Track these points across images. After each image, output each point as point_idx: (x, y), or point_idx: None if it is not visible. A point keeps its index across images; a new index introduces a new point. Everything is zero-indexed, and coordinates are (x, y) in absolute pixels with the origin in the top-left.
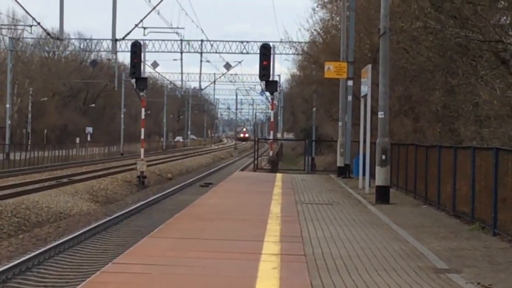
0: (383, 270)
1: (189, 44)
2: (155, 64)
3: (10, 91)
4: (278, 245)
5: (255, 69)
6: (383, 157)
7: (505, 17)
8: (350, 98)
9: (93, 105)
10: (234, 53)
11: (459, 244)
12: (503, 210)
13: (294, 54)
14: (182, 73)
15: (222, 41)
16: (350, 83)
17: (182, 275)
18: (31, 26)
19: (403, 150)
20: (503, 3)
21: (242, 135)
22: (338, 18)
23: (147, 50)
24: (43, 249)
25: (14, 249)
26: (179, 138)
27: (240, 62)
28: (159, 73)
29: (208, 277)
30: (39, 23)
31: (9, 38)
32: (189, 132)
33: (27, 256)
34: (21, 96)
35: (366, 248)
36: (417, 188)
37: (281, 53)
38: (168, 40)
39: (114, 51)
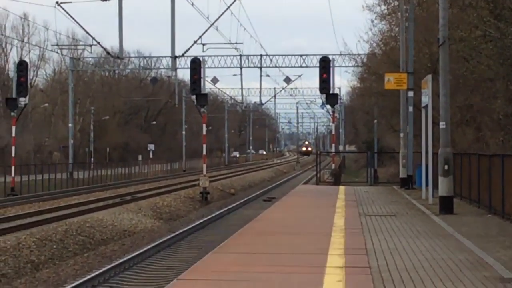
0: (448, 281)
1: (248, 59)
2: (215, 80)
3: (72, 110)
4: (342, 258)
5: (315, 82)
6: (446, 167)
7: None
8: (411, 109)
9: (154, 122)
10: (294, 67)
11: None
12: None
13: (353, 66)
14: (242, 88)
15: (281, 55)
16: (410, 94)
17: None
18: (91, 45)
19: (466, 160)
20: None
21: (304, 148)
22: (397, 29)
23: (206, 66)
24: (108, 266)
25: (79, 267)
26: (235, 154)
27: (300, 76)
28: (219, 88)
29: None
30: (99, 43)
31: (70, 58)
32: (250, 147)
33: (93, 274)
34: (83, 115)
35: (431, 259)
36: (481, 198)
37: (340, 66)
38: (227, 55)
39: (174, 68)
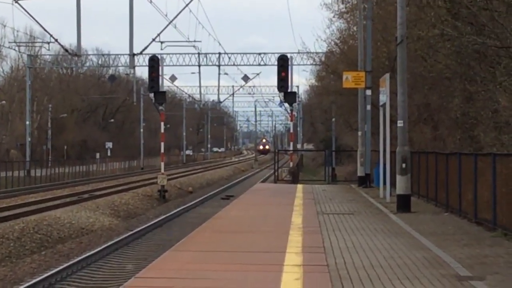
0: (406, 279)
1: (206, 57)
2: (173, 78)
3: (29, 108)
4: (300, 256)
5: (273, 80)
6: (403, 165)
7: None
8: (369, 107)
9: (112, 120)
10: (252, 65)
11: (482, 251)
12: None
13: (312, 64)
14: (200, 86)
15: (240, 53)
16: (368, 92)
17: None
18: (48, 43)
19: (423, 158)
20: None
21: (261, 146)
22: (355, 28)
23: (165, 64)
24: (66, 265)
25: (37, 266)
26: (188, 152)
27: (258, 74)
28: (177, 86)
29: None
30: (56, 40)
31: (27, 55)
32: (209, 145)
33: (50, 273)
34: (40, 113)
35: (389, 257)
36: (438, 196)
37: (298, 64)
38: (185, 53)
39: (132, 65)
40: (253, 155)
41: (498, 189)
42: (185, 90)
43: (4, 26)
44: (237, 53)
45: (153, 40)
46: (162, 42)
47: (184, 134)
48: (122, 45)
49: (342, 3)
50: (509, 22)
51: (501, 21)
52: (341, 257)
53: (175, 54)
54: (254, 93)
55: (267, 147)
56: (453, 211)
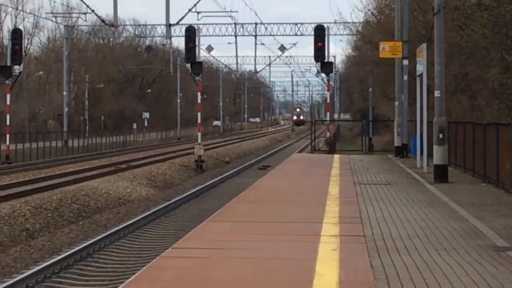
0: (443, 250)
1: (243, 27)
2: (209, 48)
3: (66, 78)
4: (337, 227)
5: (310, 50)
6: (441, 135)
7: None
8: (406, 77)
9: (149, 90)
10: (289, 35)
11: None
12: None
13: (348, 35)
14: (237, 56)
15: (276, 23)
16: (405, 62)
17: (241, 258)
18: (85, 13)
19: (461, 129)
20: None
21: (295, 117)
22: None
23: (201, 34)
24: (103, 235)
25: (74, 236)
26: (217, 123)
27: (294, 44)
28: (214, 57)
29: (267, 260)
30: (93, 11)
31: (64, 26)
32: (246, 115)
33: (88, 243)
34: (77, 83)
35: (426, 227)
36: (476, 166)
37: (335, 34)
38: (222, 24)
39: (169, 36)
40: (290, 125)
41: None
42: (222, 61)
43: None
44: (274, 23)
45: (190, 10)
46: (198, 13)
47: (221, 104)
48: (159, 15)
49: None
50: None
51: None
52: (378, 228)
53: (212, 24)
54: (290, 63)
55: (301, 117)
56: (490, 182)
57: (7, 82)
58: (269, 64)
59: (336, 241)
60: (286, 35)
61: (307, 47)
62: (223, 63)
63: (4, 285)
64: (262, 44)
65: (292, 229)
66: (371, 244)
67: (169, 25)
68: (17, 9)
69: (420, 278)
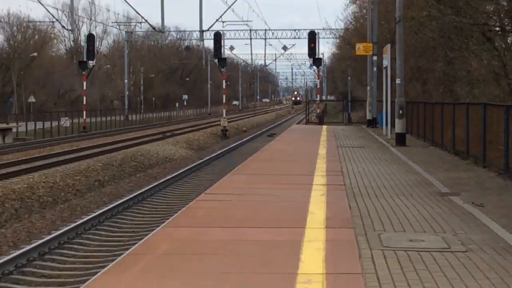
0: (402, 195)
1: (256, 33)
2: (231, 48)
3: (127, 70)
4: (324, 178)
5: (305, 49)
6: (400, 111)
7: (489, 6)
8: (375, 69)
9: (187, 79)
10: (289, 38)
11: (458, 175)
12: (489, 149)
13: (333, 38)
14: (251, 53)
15: (280, 29)
16: (375, 58)
17: (255, 200)
18: (141, 23)
19: (415, 107)
20: None
21: (293, 98)
22: (365, 11)
23: (225, 37)
24: (155, 183)
25: (133, 185)
26: (236, 102)
27: (293, 45)
28: (235, 54)
29: (274, 202)
30: (146, 21)
31: (125, 32)
32: (258, 97)
33: (143, 189)
34: (135, 74)
35: (389, 179)
36: (426, 134)
37: (323, 38)
38: (240, 30)
39: (201, 39)
40: (290, 104)
41: (470, 129)
42: (241, 57)
43: (108, 10)
44: (279, 30)
45: (217, 20)
46: (223, 22)
47: (240, 89)
48: (194, 23)
49: None
50: (480, 5)
51: (474, 4)
52: (354, 179)
53: (233, 30)
54: (290, 59)
55: (298, 98)
56: (437, 145)
57: (84, 73)
58: (275, 59)
59: (323, 189)
60: (288, 38)
61: (303, 47)
62: (241, 59)
63: (82, 221)
64: (270, 44)
65: (292, 179)
66: (349, 191)
67: (201, 31)
68: (90, 19)
69: (385, 215)
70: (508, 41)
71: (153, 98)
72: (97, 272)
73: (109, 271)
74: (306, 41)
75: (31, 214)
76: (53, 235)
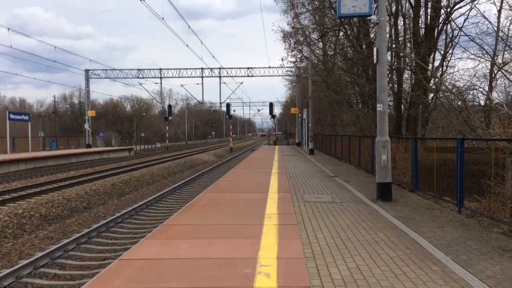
0: (312, 177)
1: (245, 103)
2: (234, 110)
3: (186, 121)
4: (277, 169)
5: (268, 110)
6: (311, 139)
7: (350, 90)
8: (300, 120)
9: (214, 124)
10: (261, 105)
11: (337, 167)
12: (352, 156)
13: (281, 106)
14: (243, 114)
15: (256, 101)
16: (299, 115)
17: (245, 180)
18: (193, 98)
19: (318, 137)
20: (350, 85)
21: (261, 133)
22: (294, 93)
23: (231, 106)
24: (199, 173)
25: (188, 174)
26: (234, 135)
27: (262, 109)
28: (236, 113)
29: (253, 180)
30: (195, 98)
31: (186, 103)
32: (246, 132)
33: (193, 176)
34: (190, 122)
35: (306, 168)
36: (324, 149)
37: (276, 105)
38: (238, 102)
39: (220, 106)
40: (260, 135)
41: (343, 147)
42: (239, 114)
43: (177, 93)
44: (256, 102)
45: (227, 97)
46: (230, 98)
47: (238, 129)
48: (217, 98)
49: (291, 82)
50: (346, 89)
51: (343, 89)
52: (290, 169)
53: (235, 102)
54: (261, 115)
55: (264, 133)
56: (329, 154)
57: (166, 122)
58: (254, 116)
59: (276, 173)
60: (260, 106)
61: (267, 109)
62: (240, 116)
63: (168, 189)
64: (252, 108)
65: (263, 169)
66: (288, 173)
67: (220, 102)
68: (170, 97)
69: (304, 186)
70: (359, 107)
71: (198, 134)
72: (175, 212)
73: (181, 211)
74: (268, 107)
75: (148, 184)
76: (157, 194)
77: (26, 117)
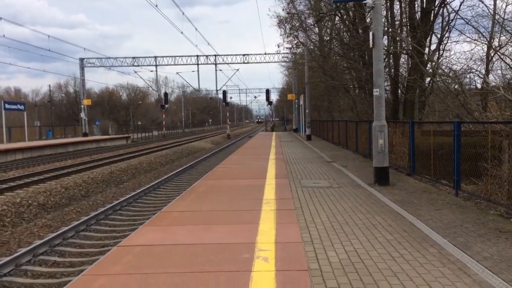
0: (310, 163)
1: (241, 90)
2: (230, 98)
3: (183, 108)
4: (274, 155)
5: (264, 97)
6: (308, 125)
7: (347, 75)
8: (296, 106)
9: (211, 112)
10: (257, 92)
11: (335, 153)
12: (349, 141)
13: (277, 92)
14: (240, 100)
15: (253, 88)
16: (296, 101)
17: (241, 166)
18: (189, 86)
19: (315, 123)
20: (347, 71)
21: (257, 120)
22: (291, 79)
23: (228, 93)
24: (196, 160)
25: (187, 161)
26: (229, 123)
27: (259, 95)
28: (232, 100)
29: (250, 167)
30: (191, 85)
31: (182, 90)
32: (244, 119)
33: (189, 164)
34: (186, 110)
35: (302, 154)
36: (321, 135)
37: (273, 92)
38: (234, 89)
39: (217, 93)
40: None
41: (340, 132)
42: (235, 101)
43: (173, 81)
44: (253, 88)
45: (224, 85)
46: (227, 85)
47: (235, 116)
48: (213, 85)
49: (288, 69)
50: (343, 75)
51: (340, 75)
52: (288, 155)
53: (231, 89)
54: (258, 101)
55: (260, 120)
56: (326, 140)
57: (163, 110)
58: (251, 102)
59: (274, 159)
60: (256, 92)
61: (264, 95)
62: (236, 103)
63: (170, 174)
64: (248, 94)
65: (260, 155)
66: (285, 159)
67: (217, 90)
68: (165, 85)
69: (302, 172)
70: (356, 92)
71: (195, 121)
72: (173, 199)
73: (179, 198)
74: (264, 94)
75: (146, 172)
76: (155, 181)
77: (22, 107)
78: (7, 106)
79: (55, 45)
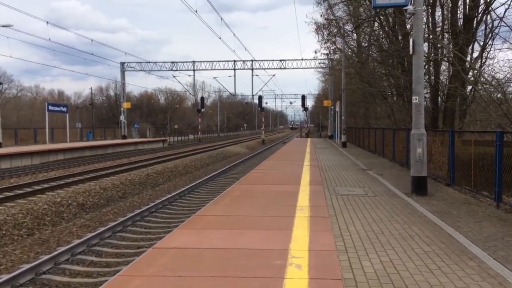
0: (344, 170)
1: (277, 95)
2: (266, 103)
3: (219, 113)
4: (309, 162)
5: (300, 103)
6: (344, 131)
7: (385, 82)
8: (332, 113)
9: (246, 117)
10: (293, 98)
11: (371, 161)
12: (386, 149)
13: (313, 98)
14: (275, 106)
15: (288, 94)
16: (332, 107)
17: (276, 172)
18: (225, 91)
19: (351, 130)
20: (385, 77)
21: (291, 126)
22: (327, 85)
23: (264, 98)
24: (231, 165)
25: (222, 165)
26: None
27: (295, 101)
28: (268, 106)
29: (285, 172)
30: (227, 90)
31: (218, 95)
32: (279, 125)
33: (225, 168)
34: (222, 114)
35: (338, 161)
36: (357, 142)
37: (309, 98)
38: (270, 94)
39: (253, 98)
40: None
41: (377, 140)
42: (271, 107)
43: (210, 86)
44: (288, 94)
45: (259, 90)
46: (263, 90)
47: (270, 121)
48: (249, 90)
49: (324, 75)
50: (382, 81)
51: (377, 81)
52: (322, 162)
53: (267, 94)
54: (293, 107)
55: (294, 126)
56: (362, 147)
57: (199, 114)
58: (286, 108)
59: (308, 166)
60: (291, 98)
61: (299, 101)
62: (272, 108)
63: (205, 177)
64: (284, 100)
65: (294, 161)
66: (320, 166)
67: (253, 95)
68: (202, 90)
69: (336, 179)
70: (394, 99)
71: (230, 126)
72: (207, 202)
73: (213, 202)
74: (300, 100)
75: (181, 175)
76: (190, 185)
77: (64, 109)
78: (50, 108)
79: (97, 49)
